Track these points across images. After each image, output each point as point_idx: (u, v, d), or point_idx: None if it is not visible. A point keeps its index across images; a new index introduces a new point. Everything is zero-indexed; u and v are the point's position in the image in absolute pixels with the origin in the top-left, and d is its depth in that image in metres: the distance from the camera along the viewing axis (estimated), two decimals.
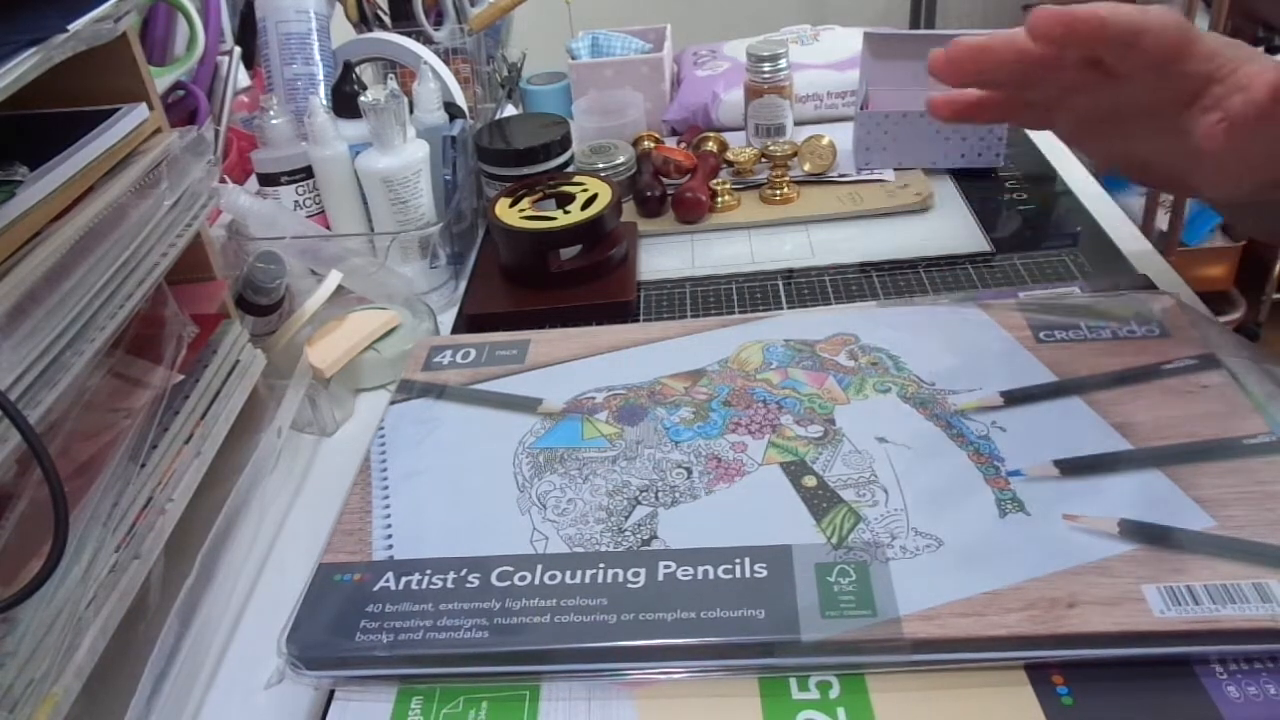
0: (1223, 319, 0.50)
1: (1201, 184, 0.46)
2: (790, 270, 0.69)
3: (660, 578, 0.38)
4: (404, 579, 0.40)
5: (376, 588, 0.40)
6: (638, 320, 0.65)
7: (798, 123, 0.88)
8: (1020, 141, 0.85)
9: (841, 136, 0.82)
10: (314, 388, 0.57)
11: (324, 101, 0.73)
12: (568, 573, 0.39)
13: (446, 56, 0.85)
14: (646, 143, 0.85)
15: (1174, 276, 0.61)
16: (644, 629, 0.36)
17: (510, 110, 0.99)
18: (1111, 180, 0.75)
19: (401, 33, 0.86)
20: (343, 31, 0.87)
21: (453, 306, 0.70)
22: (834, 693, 0.35)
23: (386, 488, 0.45)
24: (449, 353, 0.55)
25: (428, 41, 0.87)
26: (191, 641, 0.42)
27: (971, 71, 0.47)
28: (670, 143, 0.87)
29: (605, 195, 0.69)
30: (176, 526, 0.45)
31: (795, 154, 0.79)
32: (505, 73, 0.99)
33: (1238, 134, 0.40)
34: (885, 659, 0.35)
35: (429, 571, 0.40)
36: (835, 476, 0.42)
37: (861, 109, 0.81)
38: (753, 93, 0.84)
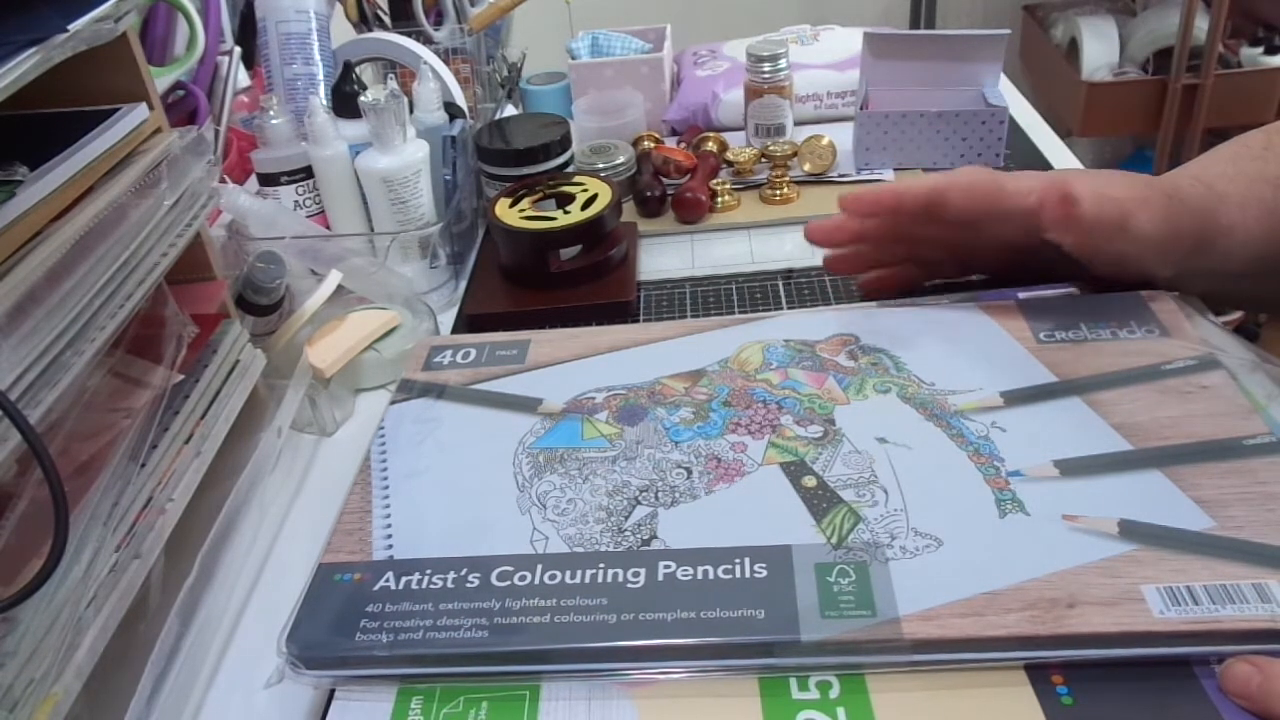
0: (1223, 319, 0.50)
1: (1134, 269, 0.50)
2: (790, 270, 0.69)
3: (660, 578, 0.38)
4: (404, 579, 0.40)
5: (376, 587, 0.40)
6: (638, 320, 0.65)
7: (798, 123, 0.88)
8: (1020, 141, 0.85)
9: (841, 136, 0.82)
10: (314, 388, 0.57)
11: (324, 101, 0.73)
12: (568, 573, 0.39)
13: (446, 56, 0.85)
14: (646, 143, 0.85)
15: None
16: (644, 629, 0.36)
17: (510, 110, 0.99)
18: None
19: (401, 33, 0.86)
20: (343, 31, 0.87)
21: (453, 306, 0.70)
22: (834, 693, 0.35)
23: (386, 488, 0.45)
24: (449, 353, 0.55)
25: (428, 41, 0.87)
26: (191, 641, 0.42)
27: (840, 241, 0.55)
28: (670, 143, 0.87)
29: (605, 195, 0.69)
30: (176, 526, 0.45)
31: (795, 154, 0.79)
32: (505, 73, 0.99)
33: (1083, 230, 0.47)
34: (885, 659, 0.35)
35: (429, 571, 0.40)
36: (835, 477, 0.42)
37: (861, 109, 0.81)
38: (753, 93, 0.84)
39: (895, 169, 0.80)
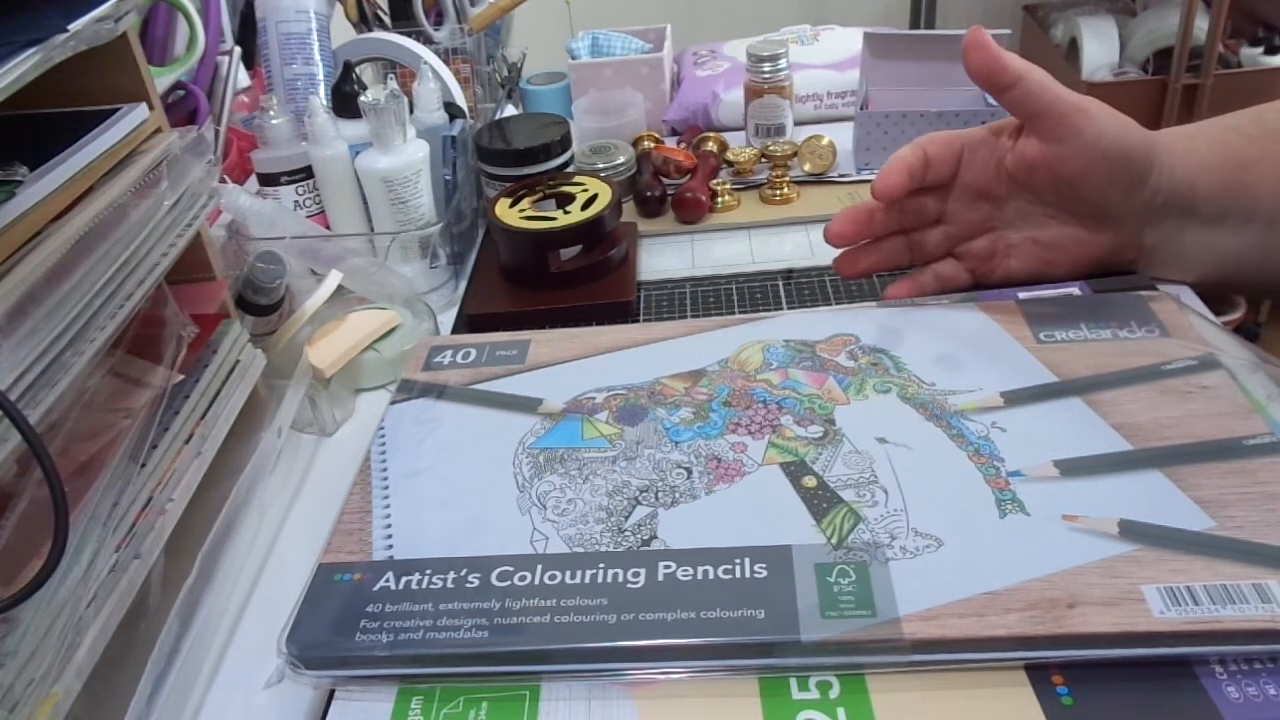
0: (1223, 319, 0.50)
1: (1097, 188, 0.53)
2: (790, 270, 0.69)
3: (660, 578, 0.38)
4: (404, 579, 0.40)
5: (376, 587, 0.40)
6: (638, 320, 0.65)
7: (798, 123, 0.88)
8: None
9: (841, 136, 0.82)
10: (314, 388, 0.57)
11: (324, 101, 0.73)
12: (568, 573, 0.39)
13: (446, 56, 0.85)
14: (646, 143, 0.85)
15: None
16: (644, 629, 0.36)
17: (510, 110, 0.99)
18: None
19: (401, 33, 0.86)
20: (343, 31, 0.87)
21: (453, 306, 0.70)
22: (834, 693, 0.35)
23: (386, 488, 0.45)
24: (449, 353, 0.55)
25: (428, 41, 0.87)
26: (191, 641, 0.42)
27: (860, 232, 0.58)
28: (670, 143, 0.87)
29: (605, 195, 0.69)
30: (176, 526, 0.45)
31: (795, 154, 0.79)
32: (505, 73, 0.99)
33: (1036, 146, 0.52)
34: (885, 659, 0.35)
35: (429, 571, 0.40)
36: (835, 477, 0.42)
37: (861, 109, 0.81)
38: (753, 93, 0.84)
39: None
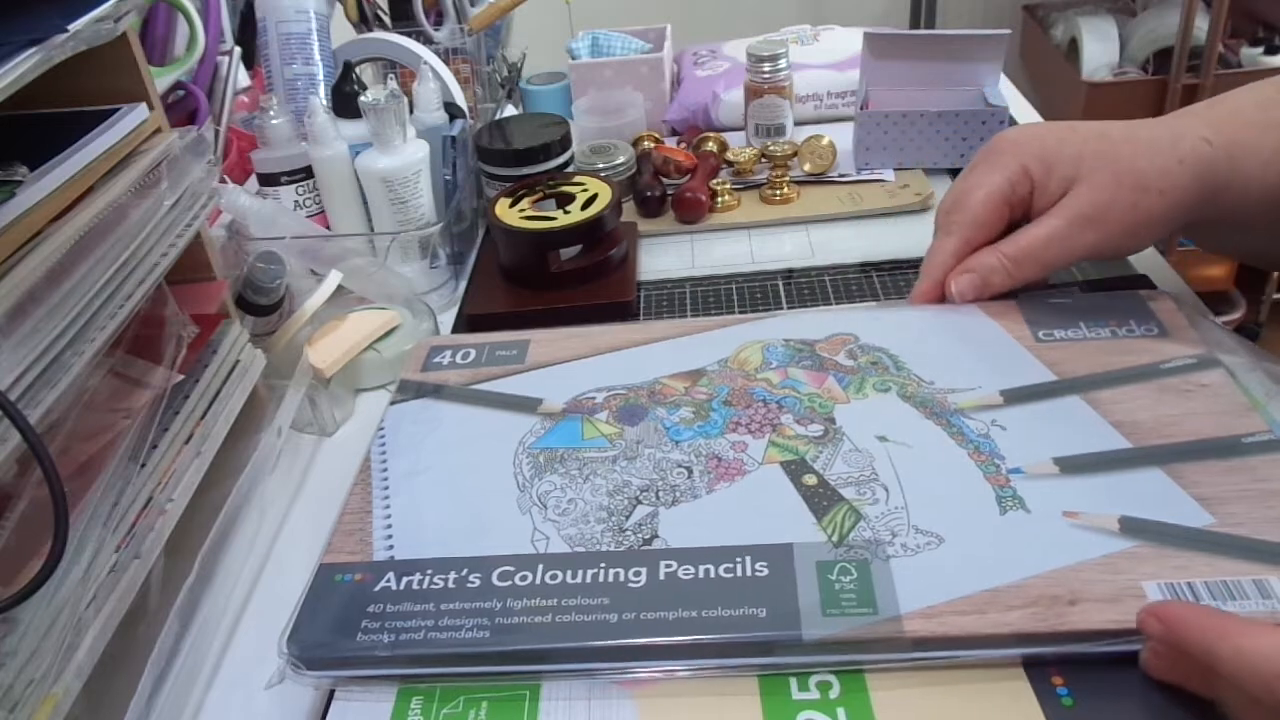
0: (1223, 319, 0.50)
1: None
2: (790, 270, 0.69)
3: (661, 577, 0.38)
4: (405, 579, 0.40)
5: (377, 588, 0.40)
6: (638, 320, 0.65)
7: (798, 123, 0.88)
8: None
9: (841, 136, 0.82)
10: (314, 388, 0.57)
11: (324, 101, 0.73)
12: (569, 572, 0.39)
13: (446, 56, 0.85)
14: (646, 143, 0.85)
15: (1174, 276, 0.61)
16: (645, 628, 0.36)
17: (510, 110, 0.99)
18: None
19: (401, 33, 0.86)
20: (343, 31, 0.87)
21: (453, 306, 0.70)
22: (834, 692, 0.35)
23: (387, 488, 0.45)
24: (449, 353, 0.55)
25: (428, 41, 0.87)
26: (191, 641, 0.42)
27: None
28: (670, 143, 0.87)
29: (605, 195, 0.69)
30: (176, 526, 0.45)
31: (795, 154, 0.79)
32: (505, 73, 0.99)
33: None
34: (886, 657, 0.35)
35: (430, 571, 0.40)
36: (836, 475, 0.42)
37: (861, 109, 0.81)
38: (753, 93, 0.84)
39: (895, 169, 0.80)
